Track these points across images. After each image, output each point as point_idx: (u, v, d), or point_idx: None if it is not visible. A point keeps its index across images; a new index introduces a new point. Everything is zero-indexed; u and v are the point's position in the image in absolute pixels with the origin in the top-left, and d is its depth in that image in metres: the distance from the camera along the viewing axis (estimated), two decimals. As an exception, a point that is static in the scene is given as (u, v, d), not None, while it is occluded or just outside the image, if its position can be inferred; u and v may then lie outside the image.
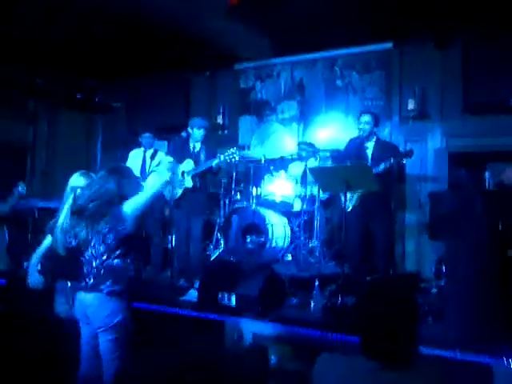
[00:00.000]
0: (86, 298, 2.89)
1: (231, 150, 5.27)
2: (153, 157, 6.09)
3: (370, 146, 4.98)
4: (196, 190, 5.38)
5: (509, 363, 3.17)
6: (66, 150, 8.08)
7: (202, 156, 5.50)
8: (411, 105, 6.36)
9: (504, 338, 3.47)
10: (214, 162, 5.26)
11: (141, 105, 8.27)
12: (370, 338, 1.88)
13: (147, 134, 6.25)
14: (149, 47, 7.26)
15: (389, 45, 6.55)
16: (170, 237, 5.61)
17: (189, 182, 5.34)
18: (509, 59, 5.74)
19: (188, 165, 5.41)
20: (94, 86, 8.19)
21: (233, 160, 5.25)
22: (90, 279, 2.88)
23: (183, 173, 5.39)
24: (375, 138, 5.02)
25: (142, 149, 6.34)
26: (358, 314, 2.01)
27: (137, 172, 6.18)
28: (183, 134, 5.61)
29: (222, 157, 5.23)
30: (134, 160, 6.33)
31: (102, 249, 2.88)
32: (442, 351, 3.37)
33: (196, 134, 5.49)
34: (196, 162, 5.41)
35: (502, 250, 4.14)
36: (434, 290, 4.50)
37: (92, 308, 2.87)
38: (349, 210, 4.85)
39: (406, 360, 1.83)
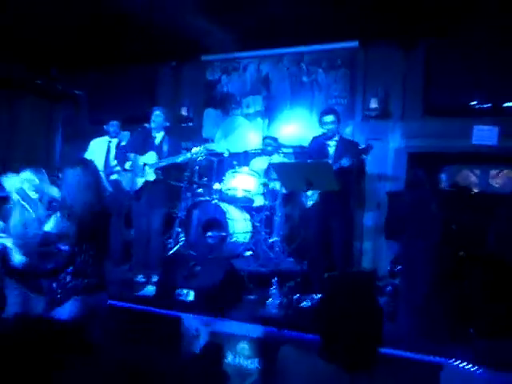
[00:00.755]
0: None
1: (199, 148, 5.19)
2: (117, 147, 6.00)
3: (332, 144, 5.02)
4: (157, 182, 5.31)
5: (458, 362, 3.26)
6: (26, 138, 7.86)
7: (165, 148, 5.42)
8: (373, 104, 6.45)
9: (454, 338, 3.59)
10: (180, 159, 5.18)
11: (104, 94, 8.11)
12: (327, 338, 1.88)
13: (114, 122, 6.16)
14: (114, 35, 7.12)
15: (354, 44, 6.61)
16: (129, 230, 5.55)
17: (151, 175, 5.27)
18: (469, 63, 5.88)
19: (150, 157, 5.33)
20: (57, 73, 7.98)
21: (199, 158, 5.20)
22: None
23: (145, 165, 5.31)
24: (338, 136, 5.07)
25: (107, 137, 6.23)
26: (316, 313, 2.01)
27: (100, 161, 6.08)
28: (147, 125, 5.54)
29: (188, 154, 5.15)
30: (97, 149, 6.22)
31: None
32: (394, 350, 3.44)
33: (155, 122, 5.39)
34: (159, 154, 5.34)
35: (454, 250, 4.26)
36: (389, 289, 4.60)
37: None
38: (309, 206, 4.89)
39: (366, 362, 1.83)
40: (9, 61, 7.32)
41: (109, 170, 5.87)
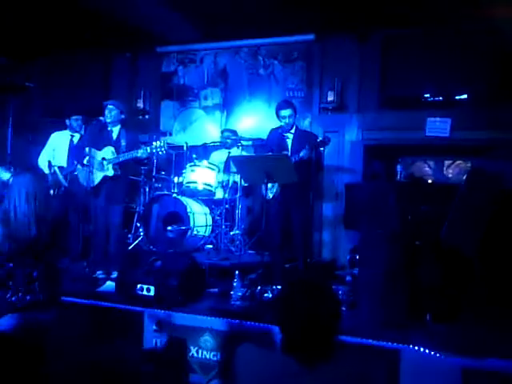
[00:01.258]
0: None
1: (159, 142, 5.09)
2: (79, 142, 5.85)
3: (290, 136, 5.06)
4: (116, 177, 5.21)
5: (416, 348, 3.37)
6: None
7: (123, 142, 5.30)
8: (330, 97, 6.54)
9: (412, 324, 3.70)
10: (140, 153, 5.07)
11: (57, 85, 7.87)
12: (285, 330, 1.90)
13: (77, 117, 5.99)
14: (67, 24, 6.91)
15: (311, 37, 6.66)
16: (88, 225, 5.43)
17: (110, 171, 5.15)
18: (422, 55, 6.03)
19: (108, 152, 5.21)
20: (5, 63, 7.68)
21: (160, 153, 5.11)
22: None
23: (103, 159, 5.19)
24: (295, 128, 5.11)
25: (68, 132, 6.05)
26: (275, 305, 2.02)
27: (63, 156, 5.91)
28: (102, 118, 5.39)
29: (148, 149, 5.01)
30: (58, 143, 6.04)
31: None
32: (355, 338, 3.52)
33: (112, 112, 5.24)
34: (116, 149, 5.22)
35: (411, 239, 4.38)
36: (349, 278, 4.69)
37: None
38: (269, 198, 4.92)
39: (324, 354, 1.85)
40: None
41: (72, 166, 5.71)
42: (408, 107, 6.15)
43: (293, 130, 5.02)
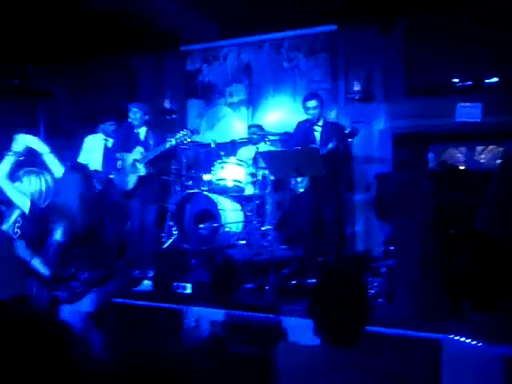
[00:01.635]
0: None
1: (182, 132, 5.19)
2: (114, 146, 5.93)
3: (318, 128, 5.04)
4: (149, 177, 5.28)
5: (457, 338, 3.33)
6: (7, 140, 7.72)
7: (151, 142, 5.39)
8: (356, 87, 6.47)
9: (452, 314, 3.66)
10: (167, 145, 5.15)
11: (84, 89, 8.00)
12: (322, 320, 1.93)
13: (111, 122, 6.07)
14: (92, 28, 7.01)
15: (333, 27, 6.60)
16: (122, 227, 5.52)
17: (142, 170, 5.23)
18: (449, 41, 5.92)
19: (137, 152, 5.29)
20: (33, 71, 7.83)
21: (185, 141, 5.18)
22: None
23: (135, 161, 5.26)
24: (323, 120, 5.08)
25: (102, 135, 6.13)
26: (311, 296, 2.05)
27: (98, 160, 6.01)
28: (130, 120, 5.47)
29: (173, 140, 5.14)
30: (93, 147, 6.13)
31: None
32: (392, 330, 3.50)
33: (137, 114, 5.34)
34: (145, 149, 5.30)
35: (445, 228, 4.33)
36: (384, 270, 4.66)
37: None
38: (299, 192, 4.92)
39: (354, 339, 1.90)
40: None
41: (108, 169, 5.81)
42: (437, 93, 6.05)
43: (321, 123, 5.00)
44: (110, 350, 3.25)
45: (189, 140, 5.21)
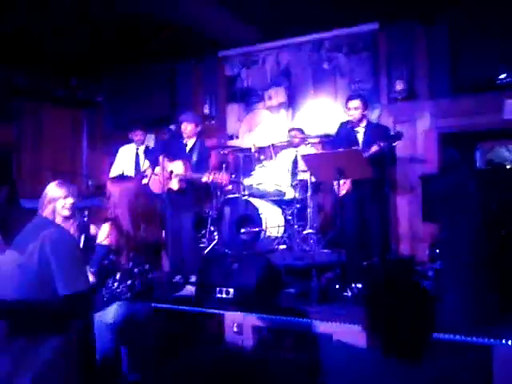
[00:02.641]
0: None
1: (224, 175, 5.05)
2: (146, 151, 6.03)
3: (360, 130, 4.93)
4: (181, 190, 5.20)
5: (507, 343, 3.18)
6: (52, 148, 7.96)
7: (194, 157, 5.24)
8: (399, 86, 6.31)
9: (502, 319, 3.50)
10: (203, 179, 5.01)
11: (125, 98, 8.15)
12: (375, 329, 1.84)
13: (138, 132, 6.18)
14: (131, 38, 7.13)
15: (375, 25, 6.48)
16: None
17: (174, 184, 5.13)
18: (495, 35, 5.70)
19: (177, 166, 5.15)
20: (76, 82, 8.05)
21: (220, 181, 5.06)
22: None
23: (171, 172, 5.19)
24: (366, 121, 4.97)
25: (134, 145, 6.25)
26: (363, 302, 1.96)
27: (130, 169, 6.10)
28: (171, 127, 5.45)
29: (210, 177, 4.95)
30: (126, 156, 6.26)
31: None
32: (442, 335, 3.37)
33: (188, 128, 5.25)
34: (185, 164, 5.15)
35: (495, 228, 4.15)
36: (431, 273, 4.51)
37: None
38: (342, 195, 4.82)
39: (416, 351, 1.77)
40: (31, 74, 7.42)
41: (140, 175, 5.87)
42: (483, 90, 5.82)
43: (364, 124, 4.88)
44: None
45: (227, 182, 5.13)
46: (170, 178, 5.09)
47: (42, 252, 2.20)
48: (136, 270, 3.00)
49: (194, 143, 5.32)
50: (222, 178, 5.00)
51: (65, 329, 2.23)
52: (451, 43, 6.01)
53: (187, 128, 5.25)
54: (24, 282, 2.22)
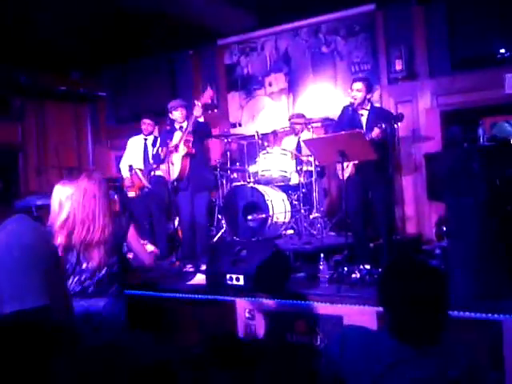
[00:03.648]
0: None
1: (207, 91, 5.39)
2: (154, 144, 6.05)
3: (364, 113, 4.92)
4: (196, 163, 5.29)
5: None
6: (57, 143, 8.00)
7: (190, 128, 5.38)
8: (399, 65, 6.29)
9: (510, 293, 3.53)
10: (196, 112, 5.21)
11: (126, 92, 8.16)
12: (396, 314, 1.81)
13: (147, 121, 6.20)
14: (129, 30, 7.12)
15: (371, 7, 6.45)
16: (172, 223, 5.61)
17: (183, 149, 5.24)
18: (493, 10, 5.66)
19: (177, 136, 5.32)
20: (78, 78, 8.06)
21: (209, 100, 5.50)
22: None
23: (176, 146, 5.28)
24: (370, 105, 4.96)
25: (142, 136, 6.28)
26: (379, 286, 1.93)
27: (139, 160, 6.14)
28: (174, 117, 5.53)
29: (197, 103, 5.21)
30: (134, 148, 6.28)
31: None
32: (452, 312, 3.40)
33: (176, 115, 5.40)
34: (182, 129, 5.33)
35: (501, 204, 4.16)
36: (438, 251, 4.54)
37: None
38: (346, 178, 4.83)
39: (435, 334, 1.75)
40: (32, 71, 7.43)
41: (149, 167, 5.93)
42: (483, 66, 5.80)
43: (368, 107, 4.88)
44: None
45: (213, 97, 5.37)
46: (177, 148, 5.20)
47: None
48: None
49: (187, 123, 5.44)
50: (207, 94, 5.28)
51: None
52: (449, 20, 5.99)
53: (182, 114, 5.39)
54: None
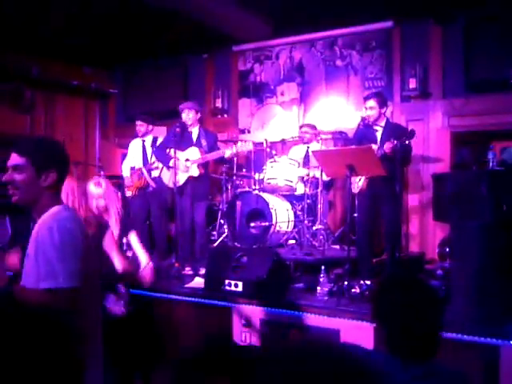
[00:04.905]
0: None
1: (246, 144, 5.26)
2: (153, 144, 6.05)
3: (379, 128, 4.90)
4: (200, 177, 5.36)
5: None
6: (65, 138, 8.00)
7: (204, 142, 5.45)
8: (412, 84, 6.28)
9: (510, 320, 3.49)
10: (227, 154, 5.23)
11: (138, 90, 8.19)
12: (385, 327, 1.82)
13: (138, 122, 6.20)
14: (145, 31, 7.16)
15: (389, 23, 6.45)
16: (172, 224, 5.60)
17: (194, 171, 5.31)
18: (510, 35, 5.66)
19: (192, 153, 5.35)
20: (90, 73, 8.09)
21: (245, 152, 5.25)
22: None
23: (186, 160, 5.34)
24: (385, 120, 4.93)
25: (139, 138, 6.29)
26: (374, 301, 1.93)
27: (139, 162, 6.15)
28: (183, 119, 5.54)
29: (234, 149, 5.21)
30: (135, 150, 6.30)
31: None
32: (450, 334, 3.37)
33: (189, 115, 5.44)
34: (200, 150, 5.37)
35: (506, 230, 4.13)
36: (440, 272, 4.50)
37: None
38: (354, 192, 4.81)
39: (428, 351, 1.75)
40: (44, 64, 7.46)
41: (148, 167, 5.95)
42: (497, 90, 5.79)
43: (383, 123, 4.85)
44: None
45: (250, 151, 5.28)
46: (186, 166, 5.21)
47: (36, 241, 2.04)
48: None
49: (199, 131, 5.50)
50: (247, 146, 5.14)
51: None
52: (466, 42, 5.98)
53: (189, 115, 5.42)
54: (24, 271, 2.13)
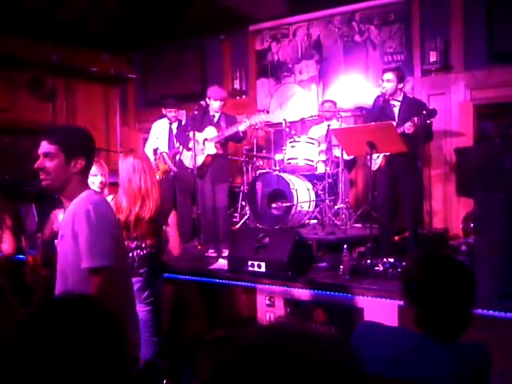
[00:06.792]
0: None
1: (257, 115, 5.22)
2: (179, 127, 6.07)
3: (396, 104, 4.82)
4: (218, 157, 5.36)
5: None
6: (86, 124, 8.09)
7: (223, 124, 5.45)
8: (433, 57, 6.14)
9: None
10: (241, 127, 5.20)
11: (157, 75, 8.20)
12: (422, 306, 1.79)
13: (172, 110, 6.21)
14: (162, 13, 7.14)
15: (408, -5, 6.31)
16: (196, 206, 5.64)
17: (211, 149, 5.32)
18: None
19: (210, 132, 5.37)
20: (109, 58, 8.12)
21: (258, 124, 5.20)
22: None
23: (205, 140, 5.35)
24: (402, 95, 4.85)
25: (167, 120, 6.30)
26: (405, 279, 1.92)
27: (164, 144, 6.18)
28: (202, 102, 5.51)
29: (247, 121, 5.17)
30: (160, 132, 6.32)
31: None
32: (475, 310, 3.35)
33: (214, 105, 5.41)
34: (217, 130, 5.38)
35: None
36: (464, 248, 4.46)
37: None
38: (374, 169, 4.77)
39: (459, 328, 1.76)
40: (63, 49, 7.51)
41: (174, 151, 5.97)
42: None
43: (400, 98, 4.77)
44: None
45: (263, 122, 5.22)
46: (204, 145, 5.22)
47: (73, 223, 2.16)
48: None
49: (220, 114, 5.49)
50: (259, 117, 5.16)
51: None
52: (488, 12, 5.81)
53: (214, 105, 5.41)
54: (62, 252, 2.26)
